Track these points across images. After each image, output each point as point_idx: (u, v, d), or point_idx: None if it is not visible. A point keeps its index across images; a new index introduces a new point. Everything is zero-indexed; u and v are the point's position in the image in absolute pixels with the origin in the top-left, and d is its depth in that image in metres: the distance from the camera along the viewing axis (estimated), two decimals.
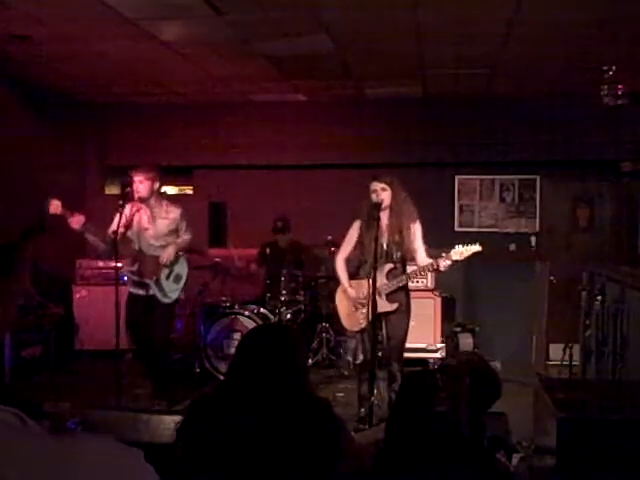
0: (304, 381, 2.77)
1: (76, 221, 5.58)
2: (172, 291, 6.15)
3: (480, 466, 2.79)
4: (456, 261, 5.44)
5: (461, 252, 5.39)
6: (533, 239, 9.02)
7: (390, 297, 5.53)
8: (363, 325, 5.53)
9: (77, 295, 8.25)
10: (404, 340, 5.62)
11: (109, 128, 9.54)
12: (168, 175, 9.89)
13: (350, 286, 5.67)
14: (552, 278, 8.00)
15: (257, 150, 9.27)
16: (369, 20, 5.79)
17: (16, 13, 5.70)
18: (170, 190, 10.15)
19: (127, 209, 5.91)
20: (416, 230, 5.61)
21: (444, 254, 5.42)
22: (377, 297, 5.29)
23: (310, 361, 7.60)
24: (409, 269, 5.70)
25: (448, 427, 2.72)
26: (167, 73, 7.70)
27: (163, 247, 6.09)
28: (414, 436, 2.71)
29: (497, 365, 8.06)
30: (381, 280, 5.46)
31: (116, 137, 9.52)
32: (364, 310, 5.48)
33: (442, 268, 5.44)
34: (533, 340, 8.22)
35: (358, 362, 5.73)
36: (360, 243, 5.62)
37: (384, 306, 5.47)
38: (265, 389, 2.63)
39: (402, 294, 5.58)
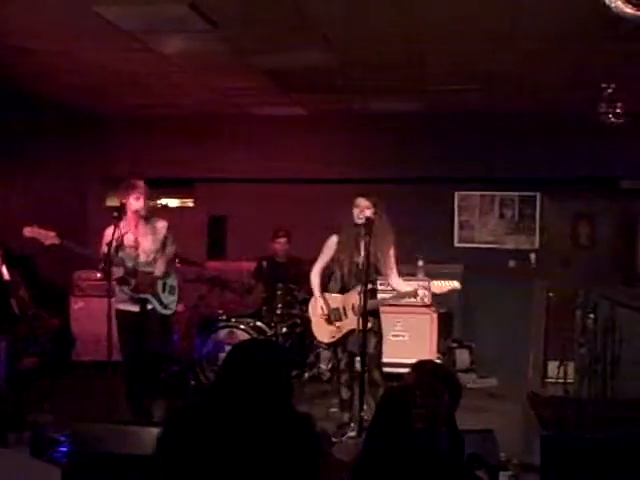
0: (286, 397, 2.77)
1: (49, 238, 5.59)
2: (171, 303, 6.18)
3: None
4: (434, 294, 5.61)
5: (441, 287, 5.65)
6: (532, 256, 9.00)
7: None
8: (335, 338, 5.74)
9: (74, 307, 8.26)
10: (379, 349, 5.75)
11: (110, 140, 9.58)
12: (169, 187, 9.98)
13: (322, 298, 5.83)
14: (551, 295, 7.98)
15: (258, 164, 9.30)
16: (368, 35, 5.82)
17: (16, 25, 5.74)
18: (171, 202, 10.19)
19: (111, 229, 5.79)
20: (392, 252, 5.73)
21: (424, 285, 5.64)
22: (351, 314, 5.48)
23: (306, 375, 7.59)
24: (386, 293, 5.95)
25: (425, 444, 2.70)
26: (167, 85, 7.73)
27: (155, 261, 6.09)
28: (391, 453, 2.69)
29: (493, 381, 8.08)
30: (355, 298, 5.52)
31: (117, 149, 9.56)
32: (337, 324, 5.72)
33: (419, 299, 5.72)
34: (530, 357, 8.18)
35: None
36: (336, 259, 5.76)
37: (355, 323, 5.44)
38: (246, 403, 2.63)
39: (370, 316, 5.52)
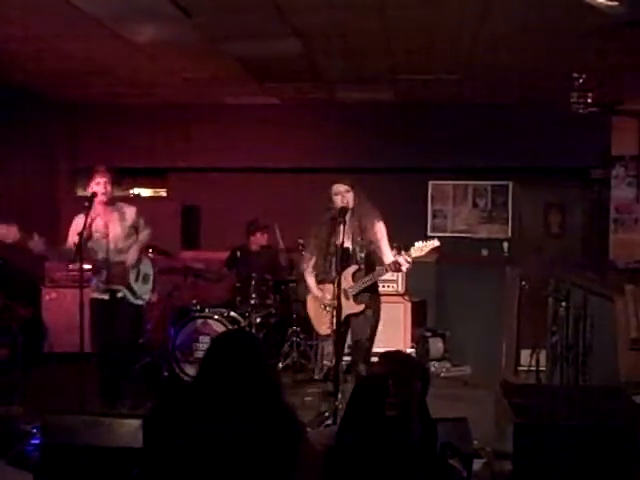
0: (269, 386, 2.75)
1: (35, 244, 5.43)
2: (143, 292, 6.11)
3: (432, 473, 2.79)
4: (417, 258, 5.36)
5: (421, 248, 5.34)
6: (505, 244, 9.06)
7: (357, 298, 5.49)
8: (332, 329, 5.49)
9: (46, 297, 8.20)
10: (371, 340, 5.55)
11: (81, 129, 9.49)
12: (142, 177, 9.92)
13: (319, 290, 5.67)
14: (524, 283, 8.03)
15: (231, 153, 9.27)
16: (339, 23, 5.80)
17: None
18: (144, 192, 10.13)
19: (82, 219, 5.69)
20: (380, 229, 5.53)
21: (403, 252, 5.38)
22: (344, 299, 5.30)
23: (280, 365, 7.58)
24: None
25: (399, 433, 2.71)
26: (138, 74, 7.66)
27: (126, 249, 6.00)
28: (365, 442, 2.70)
29: (467, 370, 8.13)
30: (347, 282, 5.43)
31: (88, 138, 9.46)
32: (334, 313, 5.43)
33: (404, 266, 5.34)
34: (503, 345, 8.24)
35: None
36: (319, 248, 5.59)
37: (351, 307, 5.44)
38: (231, 395, 2.61)
39: (368, 295, 5.52)
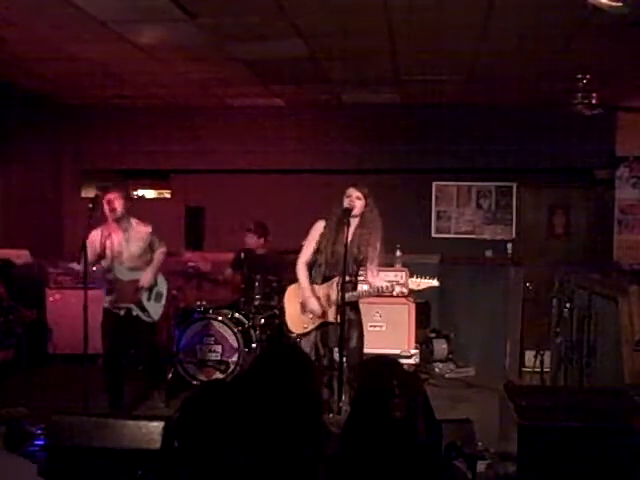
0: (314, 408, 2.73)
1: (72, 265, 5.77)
2: (155, 311, 6.28)
3: (436, 474, 2.78)
4: (412, 290, 5.48)
5: (418, 283, 5.48)
6: (509, 245, 9.06)
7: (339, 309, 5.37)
8: (308, 329, 5.51)
9: (50, 299, 8.20)
10: (360, 347, 5.54)
11: (85, 131, 9.49)
12: (145, 179, 9.94)
13: (309, 289, 5.54)
14: (528, 284, 8.03)
15: (235, 154, 9.27)
16: (343, 25, 5.81)
17: None
18: (148, 194, 10.15)
19: (98, 235, 5.94)
20: (376, 249, 5.50)
21: (401, 281, 5.46)
22: (326, 305, 5.32)
23: None
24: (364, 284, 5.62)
25: (404, 434, 2.71)
26: (143, 76, 7.67)
27: (140, 269, 6.13)
28: (369, 443, 2.69)
29: (471, 371, 8.13)
30: (333, 290, 5.40)
31: (92, 140, 9.47)
32: (311, 315, 5.48)
33: (395, 294, 5.48)
34: (507, 346, 8.24)
35: None
36: (317, 246, 5.52)
37: (332, 316, 5.39)
38: (271, 406, 2.58)
39: (350, 309, 5.43)
